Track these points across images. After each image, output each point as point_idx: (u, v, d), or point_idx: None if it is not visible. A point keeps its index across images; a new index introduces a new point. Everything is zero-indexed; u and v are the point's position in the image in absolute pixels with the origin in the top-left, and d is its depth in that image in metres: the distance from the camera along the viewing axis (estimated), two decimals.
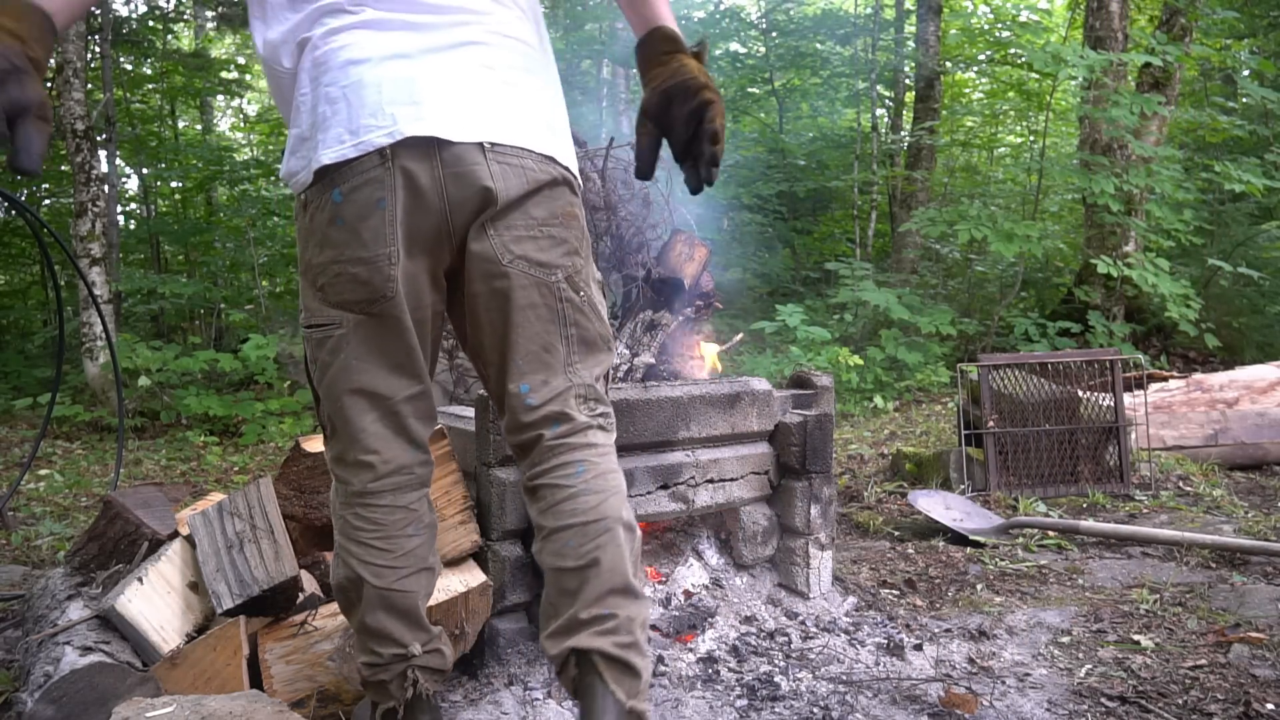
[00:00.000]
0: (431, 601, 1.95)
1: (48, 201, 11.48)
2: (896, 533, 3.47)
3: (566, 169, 1.52)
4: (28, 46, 1.26)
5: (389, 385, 1.49)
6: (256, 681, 1.86)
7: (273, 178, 11.48)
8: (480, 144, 1.41)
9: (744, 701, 1.99)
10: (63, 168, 10.12)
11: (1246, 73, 9.42)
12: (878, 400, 6.76)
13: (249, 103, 16.14)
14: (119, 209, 9.70)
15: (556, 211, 1.49)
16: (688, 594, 2.42)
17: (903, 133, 10.98)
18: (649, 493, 2.29)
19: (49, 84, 10.19)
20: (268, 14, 1.48)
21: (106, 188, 7.62)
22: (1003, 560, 3.05)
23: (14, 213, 9.77)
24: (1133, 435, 4.04)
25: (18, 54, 1.24)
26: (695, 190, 1.47)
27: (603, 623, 1.39)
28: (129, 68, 10.97)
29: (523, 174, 1.44)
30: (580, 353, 1.51)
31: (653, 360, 2.70)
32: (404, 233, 1.41)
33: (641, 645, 1.41)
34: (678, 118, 1.44)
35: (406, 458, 1.53)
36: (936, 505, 3.49)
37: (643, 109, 1.48)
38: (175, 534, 2.16)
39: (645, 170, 1.50)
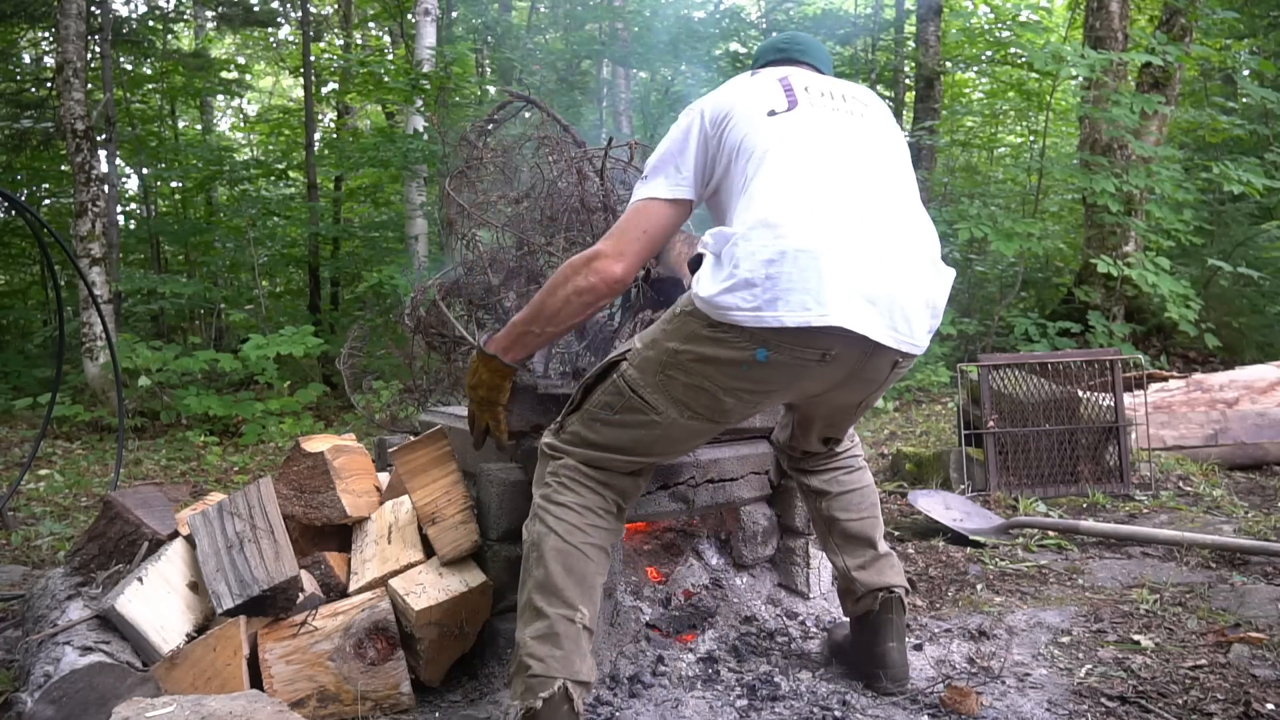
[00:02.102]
0: (431, 601, 1.96)
1: (48, 201, 11.50)
2: (896, 533, 3.47)
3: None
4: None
5: (656, 457, 1.83)
6: (256, 681, 1.86)
7: (273, 177, 11.48)
8: (898, 354, 1.70)
9: (744, 701, 1.99)
10: (63, 168, 10.14)
11: (1246, 73, 9.41)
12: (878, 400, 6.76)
13: (249, 103, 16.15)
14: (119, 209, 9.71)
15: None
16: (688, 594, 2.42)
17: (903, 133, 10.96)
18: (649, 493, 2.29)
19: (49, 84, 10.20)
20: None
21: (106, 188, 7.63)
22: (1003, 560, 3.05)
23: (14, 213, 9.77)
24: (1133, 435, 4.04)
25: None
26: None
27: (891, 557, 2.09)
28: (129, 68, 10.97)
29: (904, 367, 1.78)
30: None
31: None
32: (796, 387, 1.72)
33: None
34: None
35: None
36: (936, 505, 3.49)
37: None
38: (175, 534, 2.16)
39: None
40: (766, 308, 1.56)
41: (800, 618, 2.45)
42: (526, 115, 3.65)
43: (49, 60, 11.58)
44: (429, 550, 2.12)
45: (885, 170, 1.76)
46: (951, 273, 1.79)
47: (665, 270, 2.61)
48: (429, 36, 8.60)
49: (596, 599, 1.73)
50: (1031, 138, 10.91)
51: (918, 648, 2.28)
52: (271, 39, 14.92)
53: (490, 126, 3.24)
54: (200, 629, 1.94)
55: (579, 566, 1.69)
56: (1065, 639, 2.35)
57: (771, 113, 1.75)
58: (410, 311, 3.08)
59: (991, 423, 3.91)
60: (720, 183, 1.80)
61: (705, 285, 1.64)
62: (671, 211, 1.81)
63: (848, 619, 2.16)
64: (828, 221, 1.61)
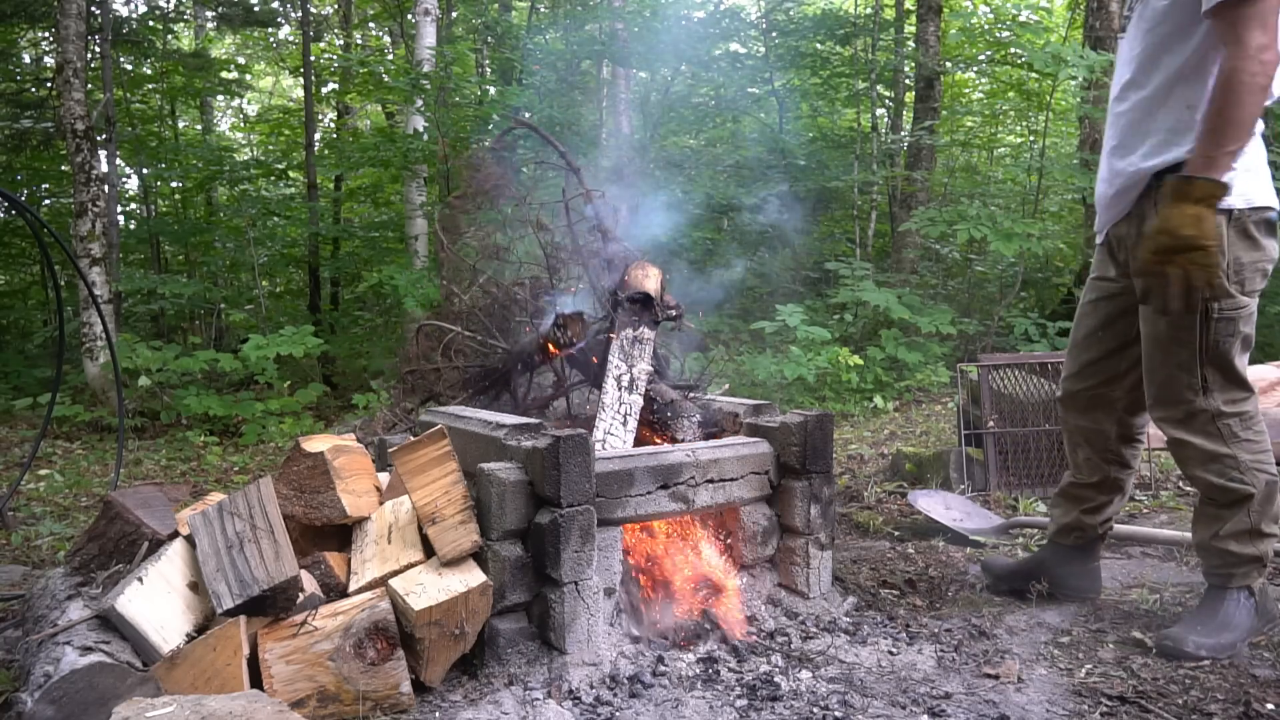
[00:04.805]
0: (431, 601, 1.96)
1: (48, 201, 11.49)
2: (896, 533, 3.47)
3: None
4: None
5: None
6: (256, 681, 1.86)
7: (273, 177, 11.48)
8: None
9: (744, 701, 1.99)
10: (63, 168, 10.13)
11: None
12: (878, 400, 6.76)
13: (249, 103, 16.15)
14: (119, 209, 9.70)
15: None
16: (688, 594, 2.42)
17: (903, 133, 10.98)
18: (649, 492, 2.29)
19: (49, 84, 10.20)
20: None
21: (106, 188, 7.62)
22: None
23: (14, 213, 9.77)
24: None
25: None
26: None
27: None
28: (129, 68, 10.96)
29: None
30: None
31: (650, 367, 2.71)
32: None
33: None
34: None
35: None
36: (936, 505, 3.49)
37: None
38: (175, 534, 2.16)
39: None
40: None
41: (800, 618, 2.45)
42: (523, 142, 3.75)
43: (49, 60, 11.58)
44: (429, 550, 2.12)
45: None
46: None
47: (634, 288, 2.69)
48: (429, 36, 8.60)
49: None
50: (1031, 138, 10.91)
51: (918, 648, 2.28)
52: (271, 39, 14.92)
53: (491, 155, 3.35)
54: (200, 629, 1.94)
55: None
56: (1065, 639, 2.35)
57: None
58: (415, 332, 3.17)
59: (991, 423, 3.91)
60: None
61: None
62: None
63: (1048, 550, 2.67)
64: None
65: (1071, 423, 2.57)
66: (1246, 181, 2.10)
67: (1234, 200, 2.10)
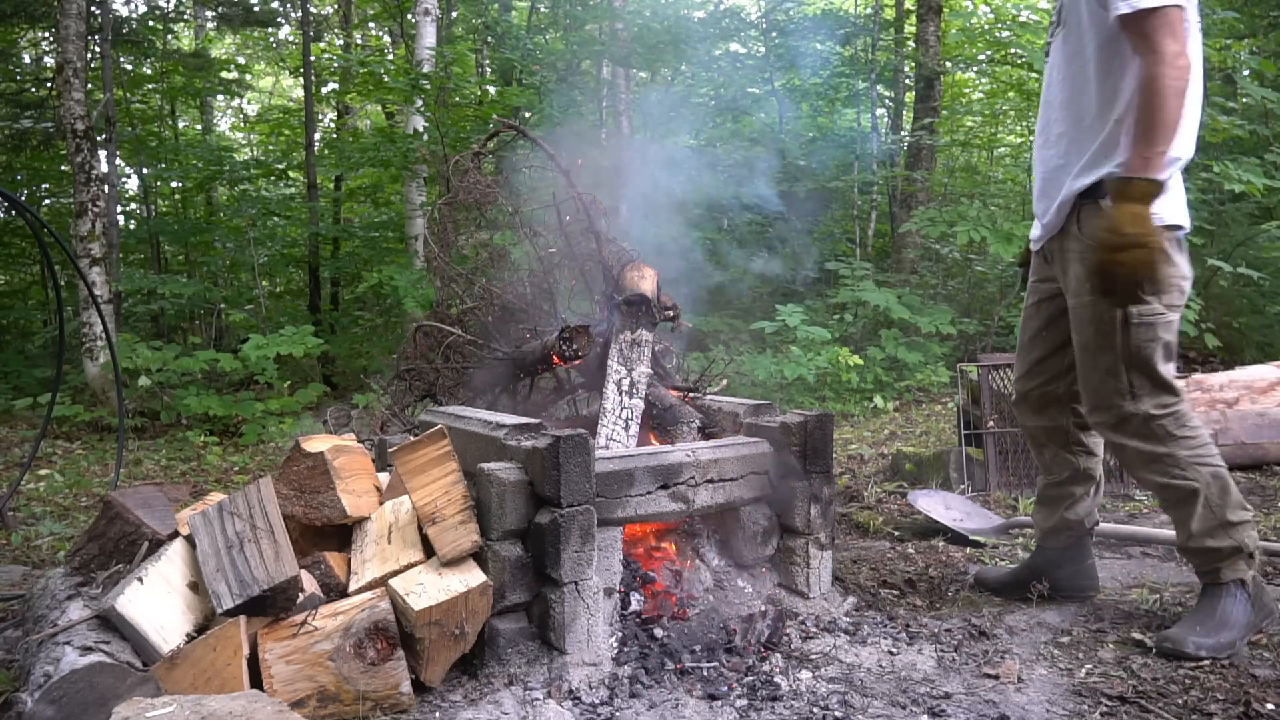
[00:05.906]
0: (431, 601, 1.96)
1: (48, 201, 11.49)
2: (896, 533, 3.46)
3: None
4: None
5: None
6: (256, 681, 1.86)
7: (273, 177, 11.49)
8: None
9: (744, 701, 1.99)
10: (63, 168, 10.13)
11: (1246, 73, 9.41)
12: (878, 400, 6.76)
13: (249, 103, 16.16)
14: (119, 209, 9.71)
15: None
16: (689, 595, 2.42)
17: (903, 133, 10.97)
18: (649, 492, 2.29)
19: (49, 84, 10.21)
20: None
21: (106, 188, 7.62)
22: (1003, 560, 3.05)
23: (14, 213, 9.77)
24: None
25: None
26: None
27: None
28: (129, 68, 10.97)
29: None
30: None
31: (649, 370, 2.71)
32: None
33: None
34: None
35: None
36: (936, 505, 3.49)
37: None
38: (175, 534, 2.16)
39: None
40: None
41: (800, 618, 2.45)
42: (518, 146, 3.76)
43: (49, 60, 11.58)
44: (429, 550, 2.12)
45: None
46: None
47: (629, 291, 2.68)
48: (429, 36, 8.60)
49: None
50: (1031, 138, 10.91)
51: (918, 648, 2.28)
52: (271, 39, 14.92)
53: (478, 157, 3.33)
54: (200, 629, 1.94)
55: (1230, 478, 2.29)
56: (1065, 639, 2.35)
57: None
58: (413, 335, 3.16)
59: (991, 423, 3.90)
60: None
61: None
62: None
63: (1047, 552, 2.67)
64: None
65: (1030, 424, 2.63)
66: (1159, 201, 2.15)
67: None
